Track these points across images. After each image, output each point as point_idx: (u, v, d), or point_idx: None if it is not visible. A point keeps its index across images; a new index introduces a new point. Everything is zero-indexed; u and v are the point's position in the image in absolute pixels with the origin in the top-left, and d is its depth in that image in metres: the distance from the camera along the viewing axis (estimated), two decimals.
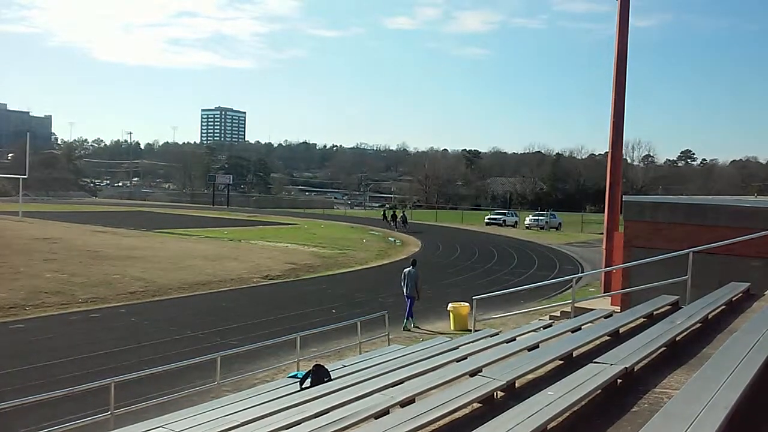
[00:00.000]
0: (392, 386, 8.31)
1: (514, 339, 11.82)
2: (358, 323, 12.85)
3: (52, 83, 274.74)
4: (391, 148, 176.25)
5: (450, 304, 16.72)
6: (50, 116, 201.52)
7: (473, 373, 8.19)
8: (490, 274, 27.52)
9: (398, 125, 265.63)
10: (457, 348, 11.54)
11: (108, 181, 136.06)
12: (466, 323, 16.09)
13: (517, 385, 6.08)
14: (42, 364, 12.25)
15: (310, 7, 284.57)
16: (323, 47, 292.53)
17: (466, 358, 9.94)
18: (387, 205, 78.59)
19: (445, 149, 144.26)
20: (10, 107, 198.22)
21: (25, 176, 51.39)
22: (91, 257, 26.91)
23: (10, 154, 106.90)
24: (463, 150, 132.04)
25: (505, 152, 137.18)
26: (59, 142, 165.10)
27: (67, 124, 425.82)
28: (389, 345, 13.56)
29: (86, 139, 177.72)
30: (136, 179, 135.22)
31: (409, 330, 16.47)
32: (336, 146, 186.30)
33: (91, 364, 12.23)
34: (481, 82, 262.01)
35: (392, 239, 41.77)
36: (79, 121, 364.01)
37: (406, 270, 17.44)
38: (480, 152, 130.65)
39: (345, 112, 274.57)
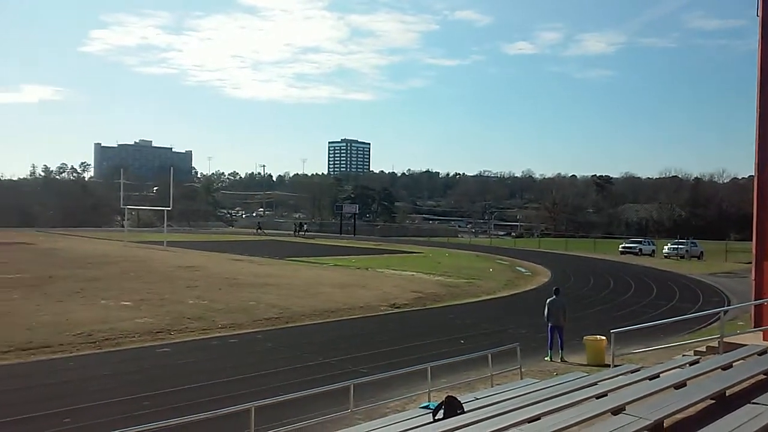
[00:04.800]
0: (529, 422, 8.03)
1: (657, 375, 11.14)
2: (489, 355, 12.58)
3: (191, 120, 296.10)
4: (515, 174, 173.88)
5: (585, 337, 16.01)
6: (190, 151, 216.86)
7: (616, 411, 7.77)
8: (626, 306, 26.21)
9: (522, 151, 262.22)
10: (595, 384, 11.01)
11: (243, 212, 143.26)
12: (602, 358, 15.34)
13: (665, 425, 5.68)
14: (186, 386, 12.92)
15: (428, 38, 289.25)
16: (443, 76, 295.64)
17: (606, 395, 9.46)
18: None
19: (573, 175, 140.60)
20: (154, 144, 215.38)
21: (170, 208, 55.15)
22: (229, 284, 28.32)
23: (155, 188, 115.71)
24: (593, 176, 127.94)
25: (638, 177, 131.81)
26: (199, 175, 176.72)
27: (206, 159, 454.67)
28: (522, 378, 13.16)
29: (223, 173, 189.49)
30: (269, 211, 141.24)
31: (559, 361, 15.91)
32: (459, 174, 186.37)
33: (230, 388, 12.75)
34: (609, 104, 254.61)
35: (521, 269, 40.89)
36: (216, 155, 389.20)
37: (550, 299, 16.92)
38: (611, 178, 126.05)
39: (467, 139, 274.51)
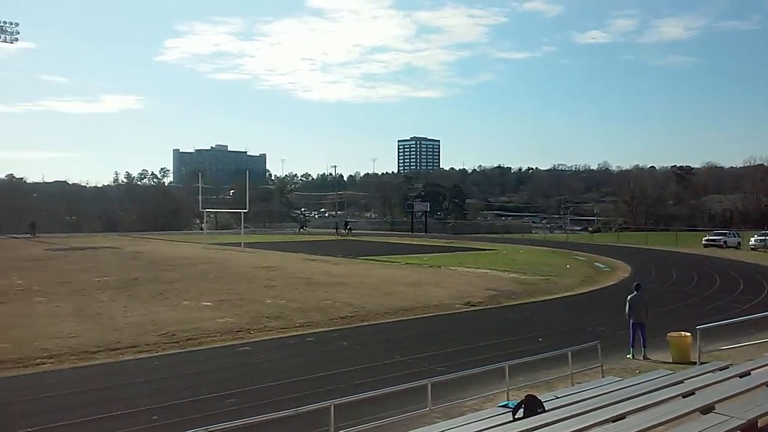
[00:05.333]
0: (613, 421, 7.83)
1: (748, 373, 10.66)
2: (569, 353, 12.30)
3: (264, 124, 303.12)
4: (591, 167, 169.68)
5: (669, 334, 15.44)
6: (264, 154, 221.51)
7: (705, 410, 7.47)
8: (711, 301, 25.16)
9: (598, 143, 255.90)
10: (681, 382, 10.62)
11: (316, 212, 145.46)
12: (687, 355, 14.78)
13: (759, 424, 5.40)
14: (267, 384, 13.21)
15: (497, 31, 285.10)
16: (513, 69, 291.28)
17: (693, 393, 9.11)
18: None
19: (652, 166, 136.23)
20: (230, 148, 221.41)
21: (246, 210, 56.51)
22: (305, 284, 28.79)
23: (231, 191, 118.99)
24: (672, 166, 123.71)
25: (721, 167, 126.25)
26: (272, 177, 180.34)
27: (279, 161, 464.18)
28: (603, 377, 12.82)
29: (296, 174, 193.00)
30: (341, 210, 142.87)
31: (642, 359, 15.45)
32: (532, 169, 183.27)
33: (309, 385, 12.95)
34: (688, 92, 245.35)
35: (599, 264, 39.89)
36: (289, 157, 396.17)
37: (631, 295, 16.42)
38: (692, 168, 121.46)
39: (539, 133, 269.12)
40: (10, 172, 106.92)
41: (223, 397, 12.14)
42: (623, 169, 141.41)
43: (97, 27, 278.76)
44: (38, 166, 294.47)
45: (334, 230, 78.45)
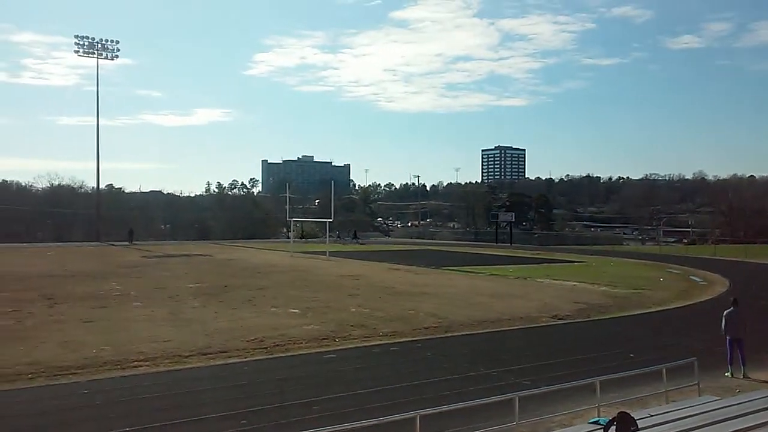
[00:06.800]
0: None
1: None
2: (664, 369, 11.77)
3: (348, 134, 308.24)
4: (685, 177, 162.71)
5: None
6: (348, 165, 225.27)
7: None
8: None
9: (692, 152, 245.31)
10: None
11: (399, 222, 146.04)
12: None
13: None
14: (352, 392, 13.28)
15: (584, 38, 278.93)
16: (601, 76, 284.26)
17: None
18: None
19: (751, 175, 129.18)
20: (316, 159, 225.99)
21: (331, 220, 57.39)
22: (389, 293, 28.89)
23: (317, 201, 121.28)
24: None
25: None
26: (356, 187, 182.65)
27: (363, 171, 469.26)
28: (700, 395, 12.18)
29: (379, 184, 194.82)
30: (424, 220, 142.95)
31: (741, 378, 14.64)
32: (622, 178, 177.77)
33: (393, 395, 12.95)
34: None
35: (694, 278, 38.11)
36: (373, 167, 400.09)
37: (728, 311, 15.60)
38: None
39: (629, 141, 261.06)
40: (110, 183, 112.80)
41: (309, 403, 12.30)
42: (720, 178, 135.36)
43: (190, 43, 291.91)
44: (136, 177, 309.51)
45: (336, 237, 76.50)
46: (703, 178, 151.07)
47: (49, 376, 14.44)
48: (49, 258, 48.60)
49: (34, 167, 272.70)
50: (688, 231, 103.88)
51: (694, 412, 9.89)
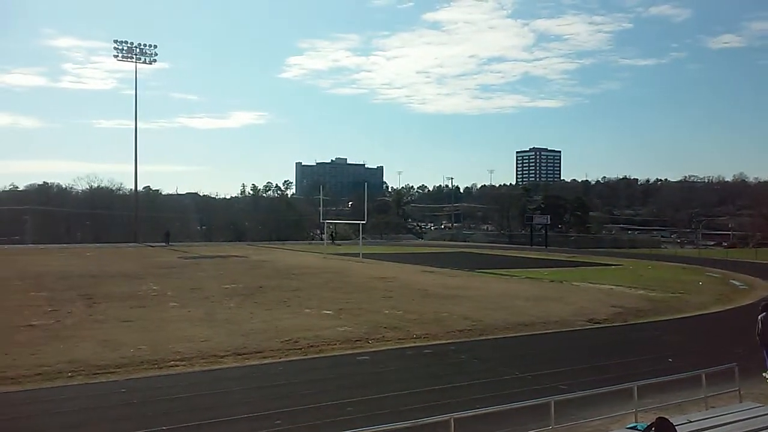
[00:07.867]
0: None
1: None
2: (703, 375, 11.51)
3: (381, 136, 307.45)
4: (725, 179, 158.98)
5: None
6: (382, 167, 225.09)
7: None
8: None
9: (733, 154, 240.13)
10: None
11: (432, 224, 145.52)
12: None
13: None
14: (385, 394, 13.27)
15: (621, 38, 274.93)
16: (639, 77, 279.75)
17: None
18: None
19: None
20: (349, 161, 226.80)
21: (364, 222, 57.54)
22: (422, 295, 28.82)
23: (350, 203, 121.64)
24: None
25: None
26: (389, 189, 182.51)
27: (396, 173, 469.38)
28: (741, 402, 11.88)
29: (412, 186, 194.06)
30: (457, 222, 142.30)
31: None
32: (660, 180, 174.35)
33: (427, 397, 12.89)
34: None
35: (735, 282, 37.26)
36: (406, 169, 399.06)
37: (762, 315, 15.22)
38: None
39: (667, 143, 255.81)
40: (147, 185, 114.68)
41: (343, 405, 12.32)
42: (762, 180, 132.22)
43: (226, 47, 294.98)
44: (172, 179, 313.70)
45: (324, 236, 72.10)
46: (744, 180, 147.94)
47: (88, 375, 14.72)
48: (88, 258, 49.65)
49: (74, 170, 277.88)
50: (728, 234, 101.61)
51: (736, 419, 9.65)
